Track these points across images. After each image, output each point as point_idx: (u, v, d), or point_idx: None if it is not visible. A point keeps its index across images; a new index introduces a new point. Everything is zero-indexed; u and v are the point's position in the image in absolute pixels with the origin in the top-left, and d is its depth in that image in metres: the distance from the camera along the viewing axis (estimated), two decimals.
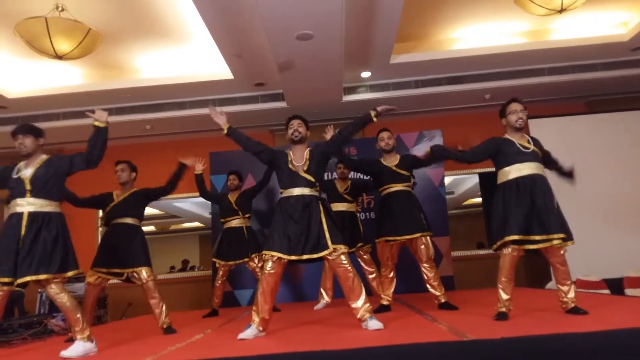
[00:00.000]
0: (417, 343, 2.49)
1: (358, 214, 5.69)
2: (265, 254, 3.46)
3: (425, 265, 4.31)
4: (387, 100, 7.33)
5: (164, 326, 4.12)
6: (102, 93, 6.73)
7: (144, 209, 4.50)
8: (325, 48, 5.46)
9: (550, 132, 6.95)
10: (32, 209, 3.21)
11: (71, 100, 6.88)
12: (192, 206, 10.26)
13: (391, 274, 4.52)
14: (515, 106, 3.57)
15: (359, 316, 3.42)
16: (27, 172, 3.31)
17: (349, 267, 3.43)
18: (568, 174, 3.80)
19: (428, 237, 4.35)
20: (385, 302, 4.49)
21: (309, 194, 3.57)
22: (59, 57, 5.19)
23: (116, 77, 6.67)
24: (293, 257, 3.42)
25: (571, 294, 3.40)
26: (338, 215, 5.30)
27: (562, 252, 3.39)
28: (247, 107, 7.26)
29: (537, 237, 3.32)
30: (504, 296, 3.42)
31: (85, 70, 6.59)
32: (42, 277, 3.09)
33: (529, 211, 3.34)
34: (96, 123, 3.54)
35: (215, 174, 7.20)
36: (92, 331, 3.33)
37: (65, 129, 7.21)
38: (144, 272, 4.10)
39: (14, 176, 3.31)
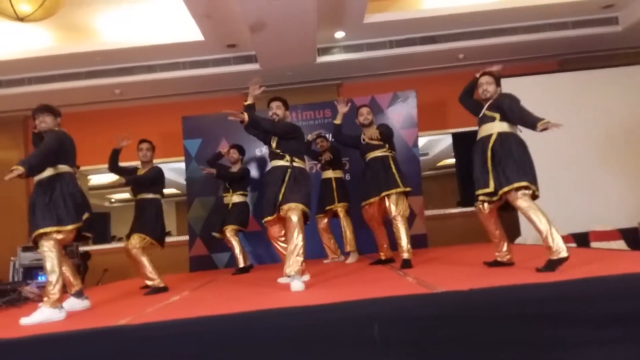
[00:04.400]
0: (387, 296, 2.55)
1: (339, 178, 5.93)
2: None
3: (393, 221, 4.52)
4: (361, 61, 7.30)
5: (152, 286, 4.43)
6: (70, 57, 6.51)
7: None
8: (298, 7, 5.35)
9: (523, 90, 6.95)
10: None
11: (37, 64, 6.64)
12: (168, 172, 10.18)
13: (379, 233, 4.90)
14: (482, 79, 3.74)
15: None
16: None
17: (290, 228, 3.67)
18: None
19: (396, 195, 4.51)
20: (382, 257, 4.91)
21: (277, 165, 3.92)
22: (20, 18, 4.99)
23: (83, 40, 6.45)
24: (265, 219, 3.96)
25: (549, 243, 3.24)
26: (324, 183, 5.89)
27: (518, 201, 3.33)
28: (219, 69, 7.12)
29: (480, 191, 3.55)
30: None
31: (52, 33, 6.34)
32: None
33: (481, 169, 3.53)
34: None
35: (188, 139, 7.12)
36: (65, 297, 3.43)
37: (31, 95, 6.97)
38: (132, 239, 4.49)
39: None
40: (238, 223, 5.78)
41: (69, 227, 3.39)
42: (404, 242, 4.43)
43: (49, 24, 5.88)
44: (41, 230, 3.31)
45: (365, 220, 4.91)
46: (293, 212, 3.69)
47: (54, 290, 3.25)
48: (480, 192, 3.54)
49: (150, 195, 4.64)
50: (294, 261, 3.57)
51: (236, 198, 5.89)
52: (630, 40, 7.27)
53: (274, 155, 3.99)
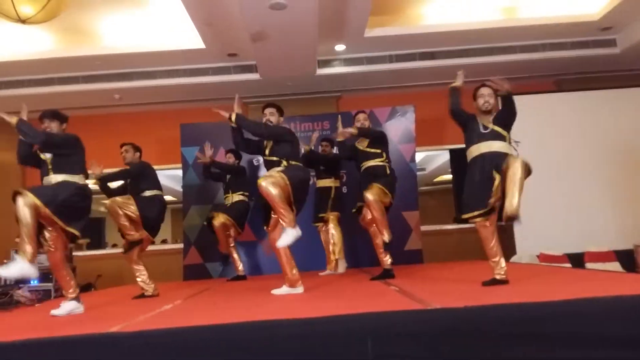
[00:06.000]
0: (381, 311, 2.53)
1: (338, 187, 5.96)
2: None
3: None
4: (361, 75, 7.34)
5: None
6: (70, 60, 6.52)
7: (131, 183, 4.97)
8: (299, 19, 5.38)
9: (519, 109, 7.05)
10: None
11: (37, 67, 6.64)
12: (164, 179, 10.16)
13: (379, 241, 4.69)
14: (482, 90, 3.71)
15: None
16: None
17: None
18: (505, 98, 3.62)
19: (378, 203, 4.49)
20: (386, 267, 4.72)
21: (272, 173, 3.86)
22: (22, 21, 4.99)
23: (84, 44, 6.46)
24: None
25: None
26: (318, 192, 5.87)
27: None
28: (219, 78, 7.14)
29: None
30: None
31: (53, 35, 6.35)
32: None
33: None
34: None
35: (185, 146, 7.12)
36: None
37: (30, 97, 6.95)
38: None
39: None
40: (233, 216, 5.71)
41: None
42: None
43: (51, 26, 5.89)
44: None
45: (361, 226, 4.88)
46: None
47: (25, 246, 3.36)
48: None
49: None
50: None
51: (236, 197, 5.87)
52: (628, 62, 7.34)
53: (269, 164, 3.91)
